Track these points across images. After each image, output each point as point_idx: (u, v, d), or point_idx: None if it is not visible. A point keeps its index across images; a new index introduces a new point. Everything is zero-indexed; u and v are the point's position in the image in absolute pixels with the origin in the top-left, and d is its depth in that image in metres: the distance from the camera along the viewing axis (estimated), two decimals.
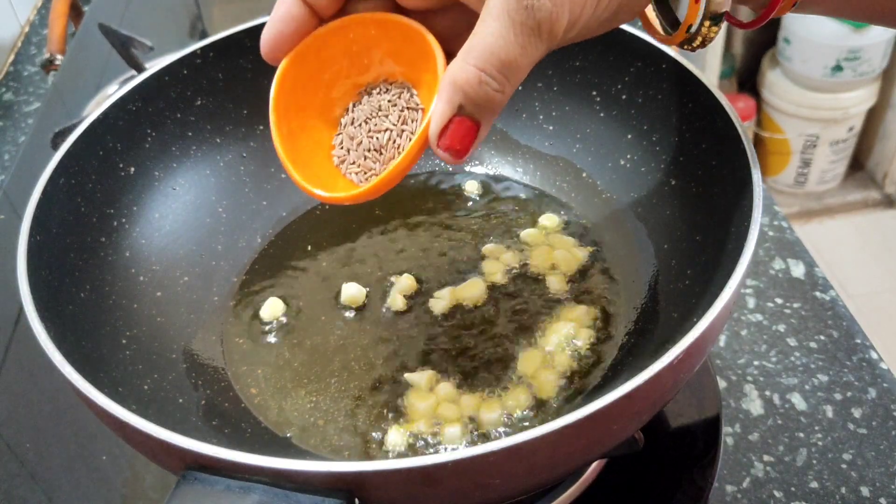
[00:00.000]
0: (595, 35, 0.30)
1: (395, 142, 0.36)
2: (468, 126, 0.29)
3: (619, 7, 0.29)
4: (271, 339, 0.47)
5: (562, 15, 0.27)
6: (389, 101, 0.36)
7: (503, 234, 0.52)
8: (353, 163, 0.37)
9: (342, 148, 0.37)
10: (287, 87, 0.36)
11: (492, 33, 0.27)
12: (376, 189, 0.34)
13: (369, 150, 0.36)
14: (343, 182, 0.37)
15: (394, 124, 0.36)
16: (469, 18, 0.31)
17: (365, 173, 0.37)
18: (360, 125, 0.37)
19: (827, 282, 0.58)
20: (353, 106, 0.38)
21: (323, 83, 0.37)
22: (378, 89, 0.37)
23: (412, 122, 0.35)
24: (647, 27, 0.35)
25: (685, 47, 0.33)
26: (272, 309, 0.48)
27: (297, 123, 0.37)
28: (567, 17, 0.28)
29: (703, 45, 0.32)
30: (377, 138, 0.36)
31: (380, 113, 0.36)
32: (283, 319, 0.48)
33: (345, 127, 0.38)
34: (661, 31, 0.35)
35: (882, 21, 0.33)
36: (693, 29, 0.31)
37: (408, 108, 0.36)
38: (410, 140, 0.35)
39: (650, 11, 0.34)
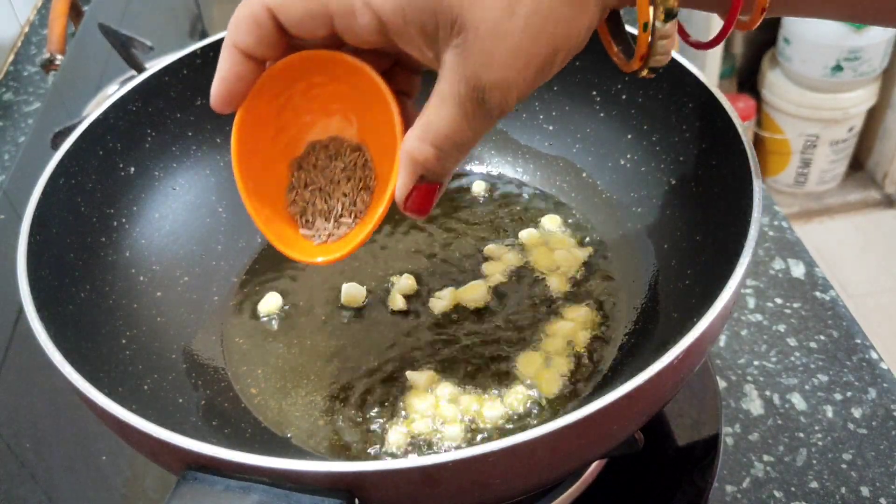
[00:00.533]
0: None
1: (349, 206, 0.36)
2: (428, 189, 0.32)
3: (558, 66, 0.31)
4: (271, 339, 0.47)
5: (510, 99, 0.30)
6: (343, 167, 0.37)
7: (503, 235, 0.52)
8: (309, 222, 0.37)
9: (296, 206, 0.38)
10: (246, 137, 0.35)
11: (446, 118, 0.30)
12: (340, 257, 0.35)
13: (324, 214, 0.37)
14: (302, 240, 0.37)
15: (345, 194, 0.36)
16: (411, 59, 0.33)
17: (321, 235, 0.37)
18: (314, 190, 0.37)
19: (827, 282, 0.58)
20: (306, 162, 0.37)
21: (279, 129, 0.37)
22: (329, 148, 0.37)
23: (367, 179, 0.36)
24: (609, 51, 0.35)
25: (643, 73, 0.33)
26: (270, 304, 0.48)
27: (260, 176, 0.37)
28: (515, 98, 0.30)
29: (657, 65, 0.32)
30: (331, 204, 0.37)
31: (333, 177, 0.37)
32: (282, 315, 0.48)
33: (298, 188, 0.37)
34: (619, 57, 0.35)
35: (874, 20, 0.32)
36: (648, 27, 0.31)
37: (360, 169, 0.36)
38: (364, 203, 0.36)
39: (605, 34, 0.34)
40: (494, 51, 0.29)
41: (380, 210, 0.34)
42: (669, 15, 0.30)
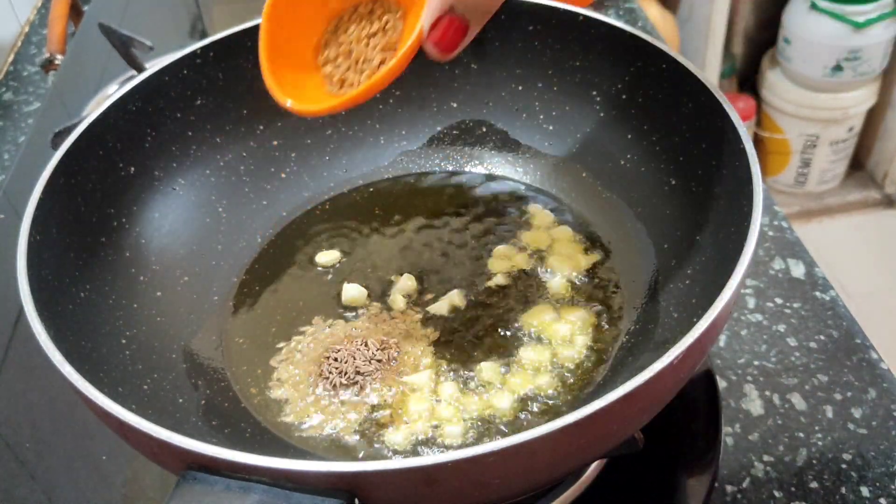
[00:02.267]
0: None
1: (379, 58, 0.37)
2: (457, 25, 0.31)
3: None
4: (271, 338, 0.47)
5: None
6: (375, 29, 0.37)
7: (503, 235, 0.52)
8: (338, 69, 0.38)
9: (327, 57, 0.39)
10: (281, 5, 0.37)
11: None
12: (363, 92, 0.35)
13: (356, 62, 0.38)
14: (324, 95, 0.38)
15: (375, 49, 0.37)
16: None
17: (343, 85, 0.38)
18: (350, 40, 0.38)
19: (827, 282, 0.58)
20: (343, 19, 0.39)
21: None
22: (367, 9, 0.38)
23: (395, 40, 0.37)
24: None
25: None
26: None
27: (285, 35, 0.37)
28: None
29: None
30: (365, 51, 0.37)
31: (369, 29, 0.38)
32: (284, 315, 0.48)
33: (335, 35, 0.39)
34: None
35: None
36: None
37: (393, 30, 0.37)
38: (394, 57, 0.36)
39: None
40: None
41: (394, 61, 0.34)
42: None
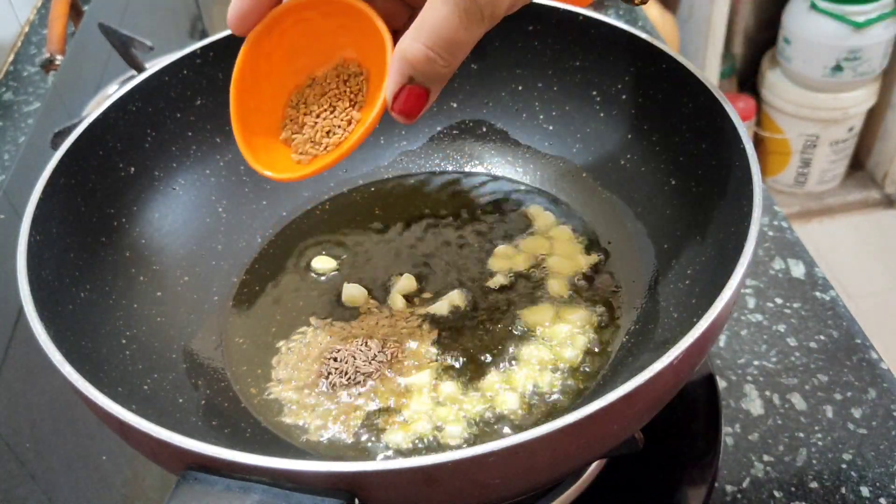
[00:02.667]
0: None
1: (341, 128, 0.38)
2: (418, 93, 0.33)
3: None
4: (271, 338, 0.47)
5: (500, 7, 0.31)
6: (337, 91, 0.38)
7: (503, 235, 0.52)
8: (301, 143, 0.39)
9: (289, 130, 0.39)
10: (248, 66, 0.37)
11: (439, 17, 0.31)
12: (333, 161, 0.37)
13: (316, 135, 0.39)
14: (290, 163, 0.39)
15: (341, 115, 0.38)
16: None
17: (308, 154, 0.39)
18: (310, 112, 0.39)
19: (827, 282, 0.58)
20: (305, 89, 0.39)
21: (279, 64, 0.39)
22: (328, 76, 0.39)
23: (357, 110, 0.38)
24: None
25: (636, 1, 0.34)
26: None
27: (254, 103, 0.38)
28: (505, 7, 0.31)
29: None
30: (325, 125, 0.38)
31: (329, 100, 0.38)
32: (284, 314, 0.48)
33: (295, 108, 0.39)
34: None
35: None
36: None
37: (356, 100, 0.38)
38: (361, 126, 0.37)
39: None
40: None
41: (360, 130, 0.36)
42: None
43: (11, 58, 0.96)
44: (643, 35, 0.47)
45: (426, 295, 0.48)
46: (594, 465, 0.46)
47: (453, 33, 0.31)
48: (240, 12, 0.35)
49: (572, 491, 0.45)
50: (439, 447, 0.41)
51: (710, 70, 1.71)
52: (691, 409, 0.49)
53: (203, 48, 0.50)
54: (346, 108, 0.38)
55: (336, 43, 0.38)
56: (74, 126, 0.46)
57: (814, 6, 1.56)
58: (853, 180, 1.86)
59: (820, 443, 0.49)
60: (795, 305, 0.57)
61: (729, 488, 0.47)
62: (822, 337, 0.55)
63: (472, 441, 0.41)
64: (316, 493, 0.29)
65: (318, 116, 0.39)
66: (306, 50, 0.39)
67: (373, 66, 0.38)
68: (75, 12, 0.92)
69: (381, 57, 0.35)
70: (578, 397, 0.42)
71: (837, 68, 1.60)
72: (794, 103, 1.70)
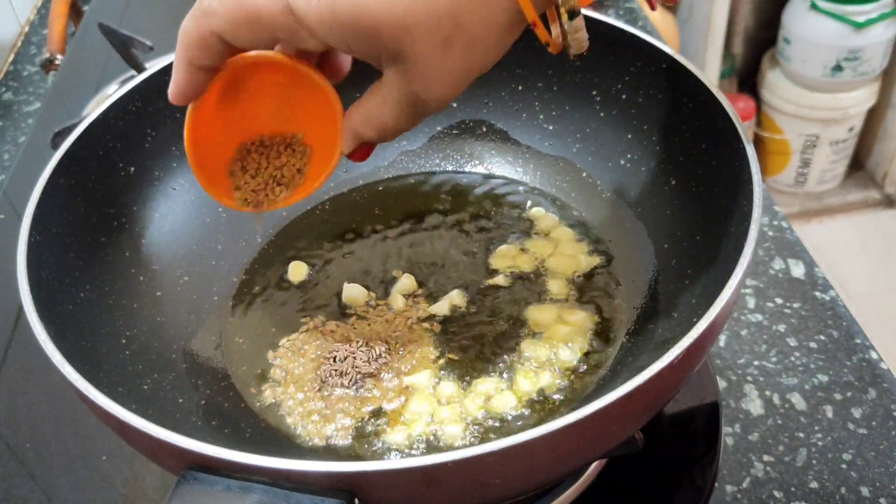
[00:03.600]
0: None
1: (280, 179, 0.42)
2: (367, 148, 0.40)
3: (476, 75, 0.35)
4: (271, 338, 0.47)
5: (444, 106, 0.36)
6: (278, 155, 0.41)
7: (503, 235, 0.52)
8: (245, 193, 0.42)
9: (234, 183, 0.42)
10: (198, 124, 0.38)
11: (387, 114, 0.36)
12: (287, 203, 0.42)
13: (263, 185, 0.42)
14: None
15: (283, 168, 0.41)
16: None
17: (249, 202, 0.42)
18: (256, 167, 0.41)
19: (827, 282, 0.58)
20: (249, 154, 0.41)
21: (228, 120, 0.39)
22: (274, 144, 0.41)
23: (300, 164, 0.41)
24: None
25: (570, 57, 0.36)
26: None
27: (204, 152, 0.40)
28: (447, 104, 0.36)
29: (578, 52, 0.35)
30: (267, 177, 0.42)
31: (272, 158, 0.41)
32: (284, 314, 0.48)
33: (242, 177, 0.41)
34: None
35: None
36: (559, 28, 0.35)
37: (296, 168, 0.41)
38: (314, 181, 0.41)
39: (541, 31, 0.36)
40: (434, 78, 0.34)
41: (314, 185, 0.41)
42: (573, 14, 0.33)
43: (11, 58, 0.96)
44: (643, 35, 0.47)
45: (426, 294, 0.48)
46: (594, 465, 0.46)
47: (397, 125, 0.37)
48: (181, 91, 0.36)
49: (572, 491, 0.45)
50: (439, 447, 0.41)
51: (710, 70, 1.71)
52: (691, 409, 0.49)
53: None
54: (288, 163, 0.41)
55: (284, 102, 0.40)
56: (74, 126, 0.46)
57: (814, 6, 1.56)
58: (853, 180, 1.86)
59: (820, 443, 0.49)
60: (795, 305, 0.57)
61: (729, 488, 0.47)
62: (821, 337, 0.55)
63: (471, 441, 0.41)
64: (316, 493, 0.29)
65: (259, 170, 0.41)
66: (253, 110, 0.40)
67: (314, 124, 0.40)
68: (75, 12, 0.92)
69: (323, 111, 0.39)
70: (578, 397, 0.42)
71: (837, 68, 1.60)
72: (794, 103, 1.70)
